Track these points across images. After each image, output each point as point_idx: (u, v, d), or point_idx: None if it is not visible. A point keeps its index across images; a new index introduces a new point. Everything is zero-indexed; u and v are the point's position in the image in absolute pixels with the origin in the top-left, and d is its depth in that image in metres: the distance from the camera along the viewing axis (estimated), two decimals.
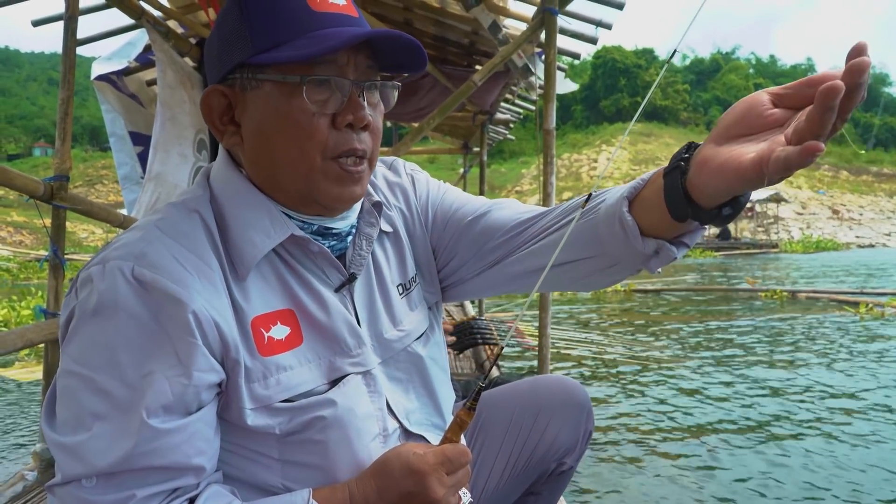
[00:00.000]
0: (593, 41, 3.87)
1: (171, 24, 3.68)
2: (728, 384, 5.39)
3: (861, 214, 57.12)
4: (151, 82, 4.10)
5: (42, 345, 2.71)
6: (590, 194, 0.93)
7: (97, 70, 3.91)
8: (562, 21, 3.27)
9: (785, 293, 12.05)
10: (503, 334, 5.55)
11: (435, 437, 1.05)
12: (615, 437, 4.02)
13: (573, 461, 1.30)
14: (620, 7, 3.40)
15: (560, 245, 0.87)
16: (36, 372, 5.84)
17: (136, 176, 4.04)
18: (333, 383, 0.93)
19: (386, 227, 1.08)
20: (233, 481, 0.90)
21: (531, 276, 1.03)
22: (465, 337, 5.36)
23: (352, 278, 0.99)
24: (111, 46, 4.19)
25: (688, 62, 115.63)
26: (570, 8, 3.30)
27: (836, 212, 57.06)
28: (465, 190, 1.39)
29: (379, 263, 1.06)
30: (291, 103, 0.86)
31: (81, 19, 2.99)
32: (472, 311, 8.01)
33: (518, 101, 6.75)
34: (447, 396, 1.13)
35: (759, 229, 41.80)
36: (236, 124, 0.93)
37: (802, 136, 0.62)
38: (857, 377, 5.55)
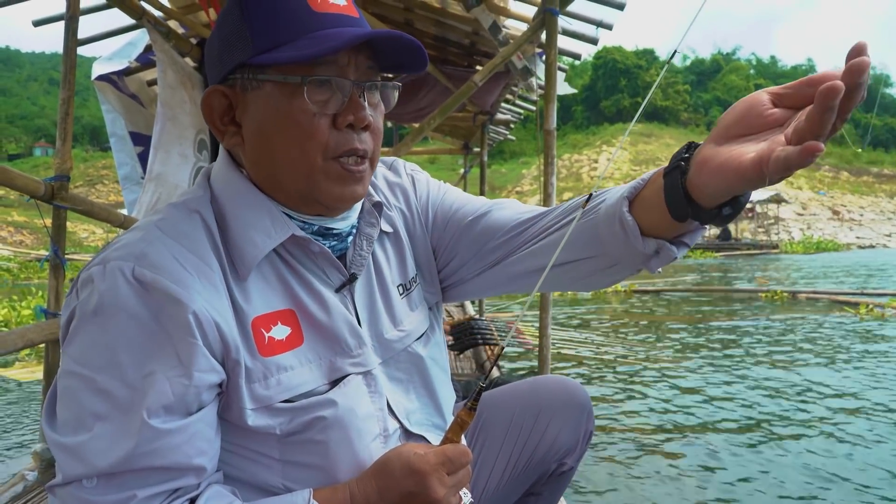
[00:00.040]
0: (594, 42, 3.88)
1: (172, 24, 3.69)
2: (728, 384, 5.40)
3: (861, 215, 57.12)
4: (152, 82, 4.10)
5: (42, 345, 2.72)
6: (590, 194, 0.93)
7: (98, 70, 3.91)
8: (562, 21, 3.28)
9: (785, 294, 12.05)
10: (503, 334, 5.56)
11: (435, 438, 1.05)
12: (615, 436, 4.02)
13: (574, 461, 1.30)
14: (621, 7, 3.41)
15: (560, 245, 0.87)
16: (36, 372, 5.85)
17: (136, 176, 4.04)
18: (334, 384, 0.93)
19: (386, 228, 1.08)
20: (233, 481, 0.90)
21: (531, 276, 1.03)
22: (466, 337, 5.37)
23: (352, 279, 0.99)
24: (112, 46, 4.20)
25: (688, 63, 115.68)
26: (570, 8, 3.30)
27: (836, 212, 57.06)
28: (465, 190, 1.38)
29: (379, 264, 1.06)
30: (292, 104, 0.86)
31: (82, 19, 2.99)
32: (472, 311, 8.01)
33: (518, 102, 6.75)
34: (448, 396, 1.13)
35: (760, 230, 41.80)
36: (237, 125, 0.93)
37: (802, 136, 0.62)
38: (857, 377, 5.54)
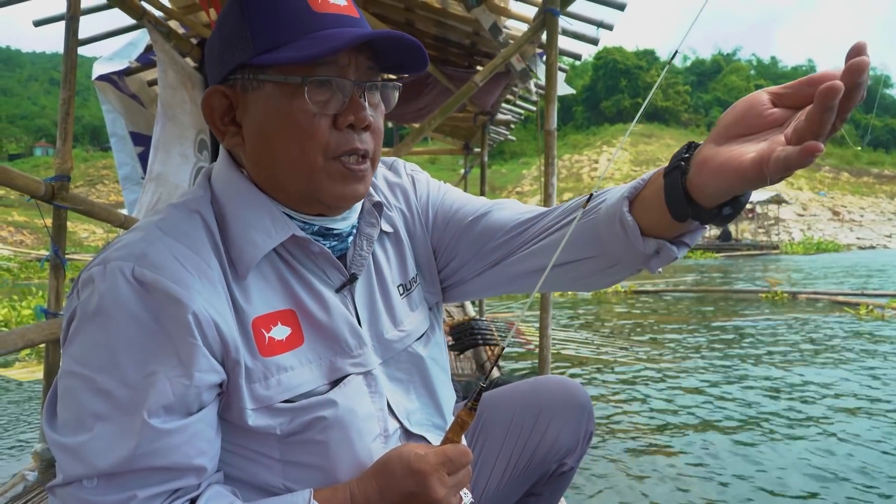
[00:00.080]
0: (594, 42, 3.88)
1: (173, 24, 3.69)
2: (728, 384, 5.40)
3: (862, 216, 57.12)
4: (152, 82, 4.10)
5: (43, 345, 2.72)
6: (590, 194, 0.93)
7: (98, 70, 3.91)
8: (563, 22, 3.28)
9: (785, 294, 12.05)
10: (504, 335, 5.55)
11: (436, 438, 1.05)
12: (615, 435, 4.02)
13: (574, 462, 1.30)
14: (622, 8, 3.41)
15: (561, 245, 0.87)
16: (37, 372, 5.85)
17: (136, 176, 4.04)
18: (334, 384, 0.93)
19: (386, 228, 1.08)
20: (234, 482, 0.90)
21: (532, 276, 1.03)
22: (466, 337, 5.37)
23: (352, 279, 0.99)
24: (112, 46, 4.21)
25: (689, 63, 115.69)
26: (571, 9, 3.30)
27: (836, 213, 57.05)
28: (465, 191, 1.38)
29: (379, 264, 1.06)
30: (293, 104, 0.86)
31: (83, 19, 2.99)
32: (472, 311, 8.01)
33: (519, 102, 6.76)
34: (448, 397, 1.13)
35: (760, 230, 41.81)
36: (237, 125, 0.93)
37: (802, 136, 0.62)
38: (857, 377, 5.54)
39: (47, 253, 2.86)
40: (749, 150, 0.67)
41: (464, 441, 0.99)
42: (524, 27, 3.74)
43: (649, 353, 6.79)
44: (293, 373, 0.89)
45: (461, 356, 5.48)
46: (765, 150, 0.64)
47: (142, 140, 4.00)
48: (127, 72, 4.01)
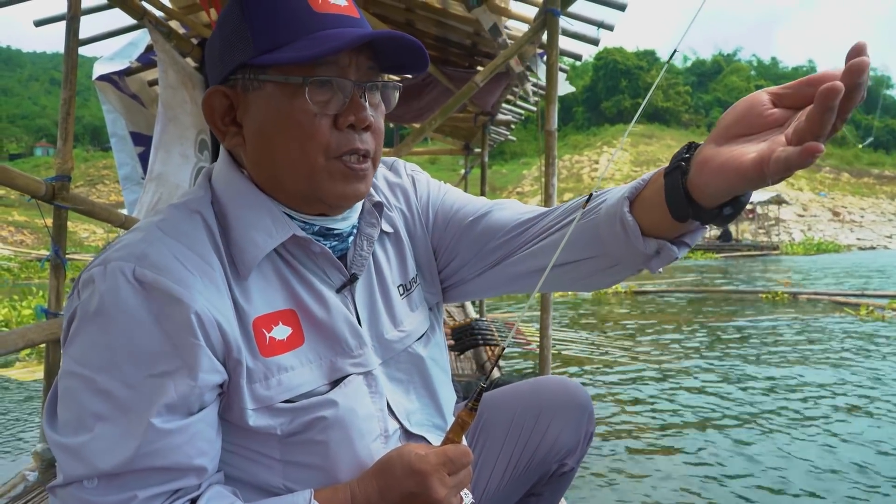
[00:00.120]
0: (595, 42, 3.88)
1: (173, 24, 3.69)
2: (728, 383, 5.40)
3: (862, 217, 57.12)
4: (153, 83, 4.10)
5: (43, 345, 2.72)
6: (590, 194, 0.93)
7: (99, 70, 3.92)
8: (564, 22, 3.28)
9: (786, 295, 12.05)
10: (504, 335, 5.55)
11: (436, 438, 1.05)
12: (615, 435, 4.02)
13: (574, 462, 1.30)
14: (622, 8, 3.41)
15: (561, 245, 0.87)
16: (37, 372, 5.85)
17: (136, 176, 4.04)
18: (334, 384, 0.93)
19: (387, 228, 1.08)
20: (234, 482, 0.90)
21: (532, 276, 1.03)
22: (466, 338, 5.37)
23: (353, 279, 0.99)
24: (113, 46, 4.21)
25: (689, 64, 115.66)
26: (571, 9, 3.30)
27: (837, 214, 57.04)
28: (466, 191, 1.38)
29: (380, 264, 1.06)
30: (293, 104, 0.86)
31: (83, 19, 3.00)
32: (472, 311, 8.01)
33: (519, 103, 6.76)
34: (448, 397, 1.13)
35: (761, 231, 41.81)
36: (238, 125, 0.93)
37: (802, 137, 0.62)
38: (857, 378, 5.54)
39: (48, 253, 2.86)
40: (749, 151, 0.67)
41: (464, 441, 0.99)
42: (525, 27, 3.74)
43: (650, 353, 6.79)
44: (294, 373, 0.89)
45: (461, 356, 5.48)
46: (765, 151, 0.64)
47: (142, 140, 4.00)
48: (127, 72, 4.01)
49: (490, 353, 5.33)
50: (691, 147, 0.78)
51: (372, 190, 1.07)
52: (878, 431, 4.08)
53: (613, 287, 9.63)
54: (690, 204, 0.76)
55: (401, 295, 1.08)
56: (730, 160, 0.68)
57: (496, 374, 4.49)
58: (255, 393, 0.86)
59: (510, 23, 4.02)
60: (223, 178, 0.95)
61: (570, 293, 12.46)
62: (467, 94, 3.41)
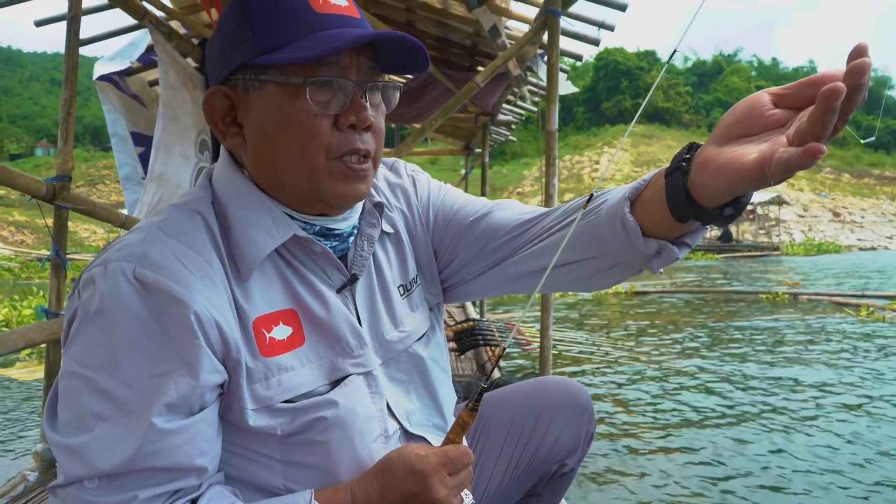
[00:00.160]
0: (595, 43, 3.87)
1: (174, 24, 3.69)
2: (729, 383, 5.40)
3: (863, 217, 57.11)
4: (153, 83, 4.11)
5: (44, 345, 2.72)
6: (591, 195, 0.93)
7: (99, 70, 3.92)
8: (564, 23, 3.27)
9: (786, 295, 12.05)
10: (504, 335, 5.55)
11: (436, 438, 1.05)
12: (616, 434, 4.02)
13: (575, 463, 1.30)
14: (623, 8, 3.41)
15: (562, 246, 0.87)
16: (37, 372, 5.85)
17: (137, 176, 4.05)
18: (335, 384, 0.93)
19: (387, 228, 1.08)
20: (234, 482, 0.90)
21: (533, 276, 1.03)
22: (467, 338, 5.37)
23: (353, 279, 0.99)
24: (114, 47, 4.21)
25: (689, 64, 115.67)
26: (572, 9, 3.30)
27: (837, 214, 57.03)
28: (466, 191, 1.38)
29: (380, 264, 1.06)
30: (294, 104, 0.86)
31: (84, 19, 2.99)
32: (473, 312, 8.01)
33: (520, 103, 6.76)
34: (448, 397, 1.13)
35: (761, 232, 41.80)
36: (239, 125, 0.93)
37: (804, 138, 0.62)
38: (857, 377, 5.55)
39: (48, 253, 2.86)
40: (751, 151, 0.67)
41: (465, 442, 0.99)
42: (525, 28, 3.74)
43: (650, 354, 6.79)
44: (294, 373, 0.89)
45: (462, 357, 5.48)
46: (766, 151, 0.64)
47: (143, 140, 4.01)
48: (128, 72, 4.01)
49: (490, 353, 5.33)
50: (692, 147, 0.78)
51: (372, 190, 1.07)
52: (878, 431, 4.09)
53: (614, 287, 9.63)
54: (691, 204, 0.76)
55: (401, 295, 1.08)
56: (731, 161, 0.68)
57: (496, 374, 4.48)
58: (255, 393, 0.86)
59: (511, 23, 4.02)
60: (224, 179, 0.95)
61: (570, 293, 12.46)
62: (468, 95, 3.41)
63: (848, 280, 16.25)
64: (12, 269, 21.56)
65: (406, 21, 4.60)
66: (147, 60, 4.05)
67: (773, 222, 43.34)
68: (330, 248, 0.97)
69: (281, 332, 0.90)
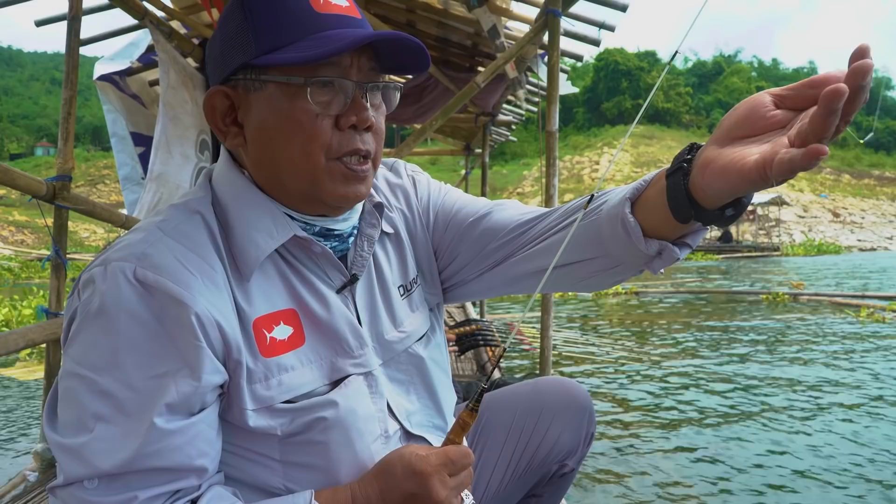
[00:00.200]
0: (596, 43, 3.87)
1: (174, 24, 3.69)
2: (729, 383, 5.40)
3: (863, 218, 57.13)
4: (154, 83, 4.11)
5: (44, 345, 2.72)
6: (592, 195, 0.93)
7: (100, 70, 3.92)
8: (565, 23, 3.27)
9: (786, 296, 12.05)
10: (505, 336, 5.55)
11: (436, 439, 1.05)
12: (616, 434, 4.02)
13: (575, 463, 1.29)
14: (623, 9, 3.40)
15: (562, 246, 0.87)
16: (37, 372, 5.85)
17: (136, 176, 4.04)
18: (335, 384, 0.93)
19: (387, 229, 1.08)
20: (234, 482, 0.90)
21: (533, 277, 1.02)
22: (467, 338, 5.37)
23: (353, 279, 0.99)
24: (114, 47, 4.21)
25: (690, 65, 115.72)
26: (573, 10, 3.30)
27: (837, 215, 57.04)
28: (466, 191, 1.38)
29: (380, 265, 1.06)
30: (295, 104, 0.86)
31: (84, 19, 2.99)
32: (473, 312, 8.01)
33: (520, 103, 6.75)
34: (448, 398, 1.13)
35: (761, 232, 41.79)
36: (239, 125, 0.93)
37: (806, 139, 0.61)
38: (858, 377, 5.55)
39: (48, 253, 2.86)
40: (752, 152, 0.67)
41: (465, 442, 0.99)
42: (526, 28, 3.73)
43: (650, 353, 6.79)
44: (294, 373, 0.89)
45: (462, 357, 5.48)
46: (768, 153, 0.64)
47: (142, 140, 4.00)
48: (128, 72, 4.01)
49: (491, 353, 5.33)
50: (693, 148, 0.78)
51: (372, 191, 1.07)
52: (877, 431, 4.09)
53: (614, 288, 9.63)
54: (692, 205, 0.76)
55: (401, 295, 1.08)
56: (732, 162, 0.68)
57: (496, 374, 4.48)
58: (255, 393, 0.86)
59: (511, 23, 4.02)
60: (224, 179, 0.95)
61: (570, 294, 12.46)
62: (468, 95, 3.41)
63: (848, 281, 16.25)
64: (12, 269, 21.56)
65: (406, 21, 4.60)
66: (147, 60, 4.05)
67: (774, 223, 43.34)
68: (330, 248, 0.96)
69: (281, 332, 0.90)
